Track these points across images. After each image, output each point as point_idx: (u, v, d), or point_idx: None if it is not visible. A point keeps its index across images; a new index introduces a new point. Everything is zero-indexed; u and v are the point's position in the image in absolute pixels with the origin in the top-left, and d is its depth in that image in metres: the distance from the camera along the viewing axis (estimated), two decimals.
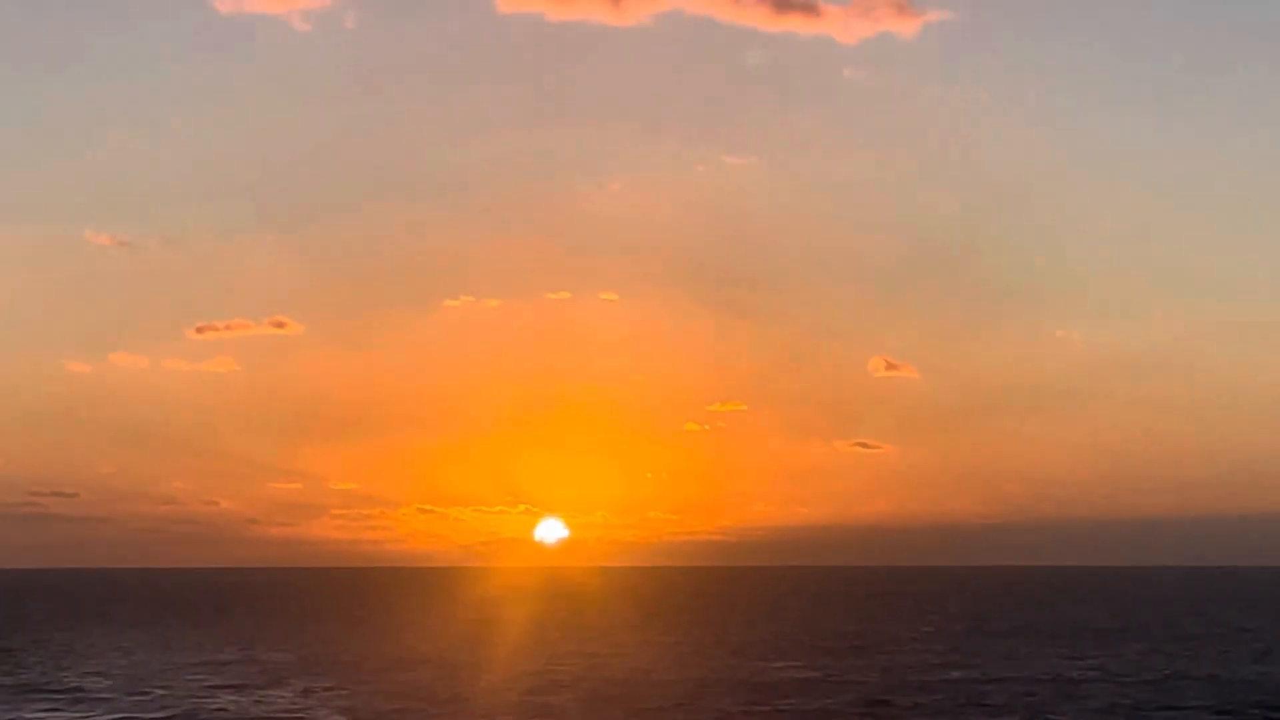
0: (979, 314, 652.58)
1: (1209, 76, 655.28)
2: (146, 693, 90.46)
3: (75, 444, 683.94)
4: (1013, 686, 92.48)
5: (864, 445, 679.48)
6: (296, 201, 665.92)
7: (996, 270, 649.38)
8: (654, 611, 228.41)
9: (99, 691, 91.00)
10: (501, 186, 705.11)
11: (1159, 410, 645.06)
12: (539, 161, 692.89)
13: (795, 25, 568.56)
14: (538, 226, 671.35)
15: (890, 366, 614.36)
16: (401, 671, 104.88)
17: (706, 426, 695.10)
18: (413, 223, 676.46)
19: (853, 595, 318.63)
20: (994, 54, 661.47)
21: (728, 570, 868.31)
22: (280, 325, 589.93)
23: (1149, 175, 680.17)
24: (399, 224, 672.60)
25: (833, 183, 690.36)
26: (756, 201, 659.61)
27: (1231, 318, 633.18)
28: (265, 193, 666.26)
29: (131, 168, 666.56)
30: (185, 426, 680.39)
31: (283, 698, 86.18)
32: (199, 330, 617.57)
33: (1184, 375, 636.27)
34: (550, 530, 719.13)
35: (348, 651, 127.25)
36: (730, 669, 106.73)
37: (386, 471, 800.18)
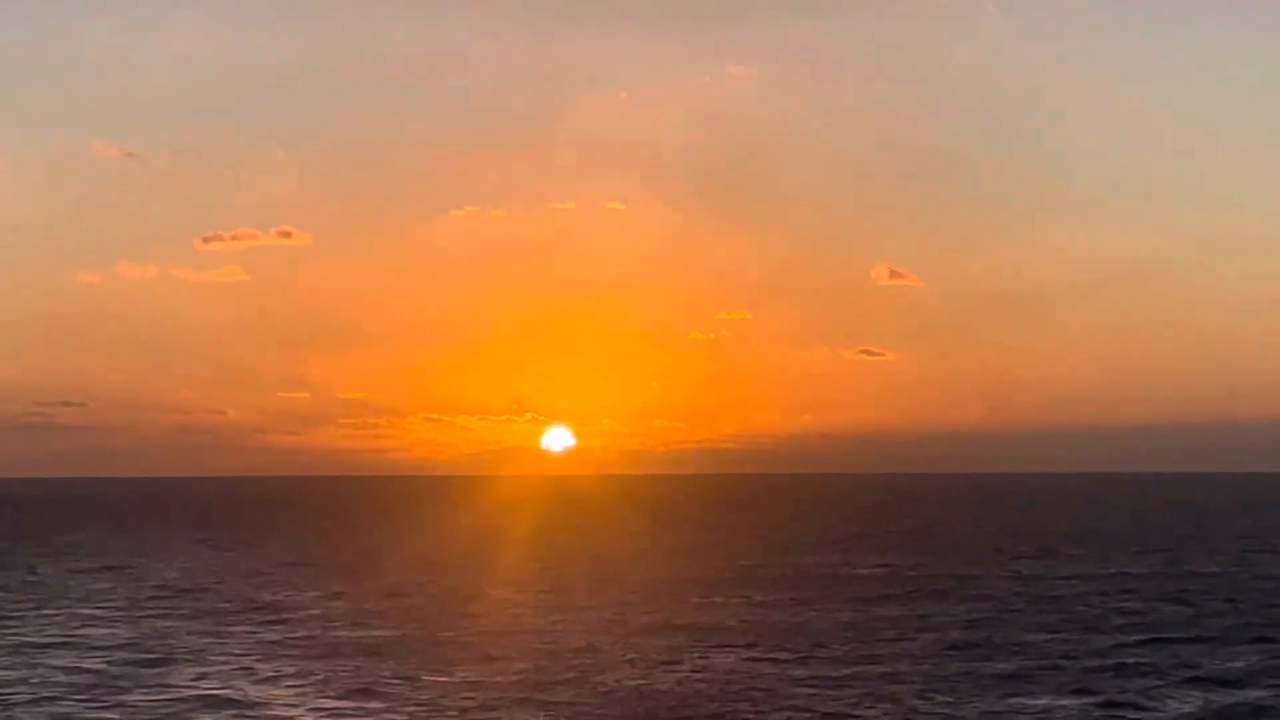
0: (982, 222, 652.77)
1: None
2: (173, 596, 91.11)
3: (83, 354, 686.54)
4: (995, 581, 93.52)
5: (868, 353, 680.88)
6: (303, 112, 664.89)
7: (999, 179, 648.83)
8: (661, 518, 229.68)
9: (108, 600, 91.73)
10: (507, 97, 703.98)
11: (1159, 318, 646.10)
12: (544, 72, 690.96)
13: None
14: (543, 137, 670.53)
15: (894, 274, 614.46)
16: (416, 573, 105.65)
17: (712, 335, 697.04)
18: (419, 133, 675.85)
19: (854, 502, 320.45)
20: None
21: (735, 478, 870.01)
22: (287, 235, 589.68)
23: (1149, 89, 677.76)
24: (405, 134, 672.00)
25: (836, 93, 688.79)
26: (761, 111, 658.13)
27: (1230, 227, 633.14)
28: (272, 103, 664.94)
29: (139, 80, 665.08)
30: (193, 336, 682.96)
31: (317, 596, 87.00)
32: (206, 240, 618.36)
33: (1183, 283, 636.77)
34: (556, 439, 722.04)
35: (369, 555, 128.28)
36: (737, 567, 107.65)
37: (393, 381, 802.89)
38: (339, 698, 50.40)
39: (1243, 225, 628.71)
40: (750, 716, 46.05)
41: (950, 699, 49.41)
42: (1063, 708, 48.15)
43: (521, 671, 55.84)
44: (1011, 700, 49.37)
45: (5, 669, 57.86)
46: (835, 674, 55.04)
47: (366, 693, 51.26)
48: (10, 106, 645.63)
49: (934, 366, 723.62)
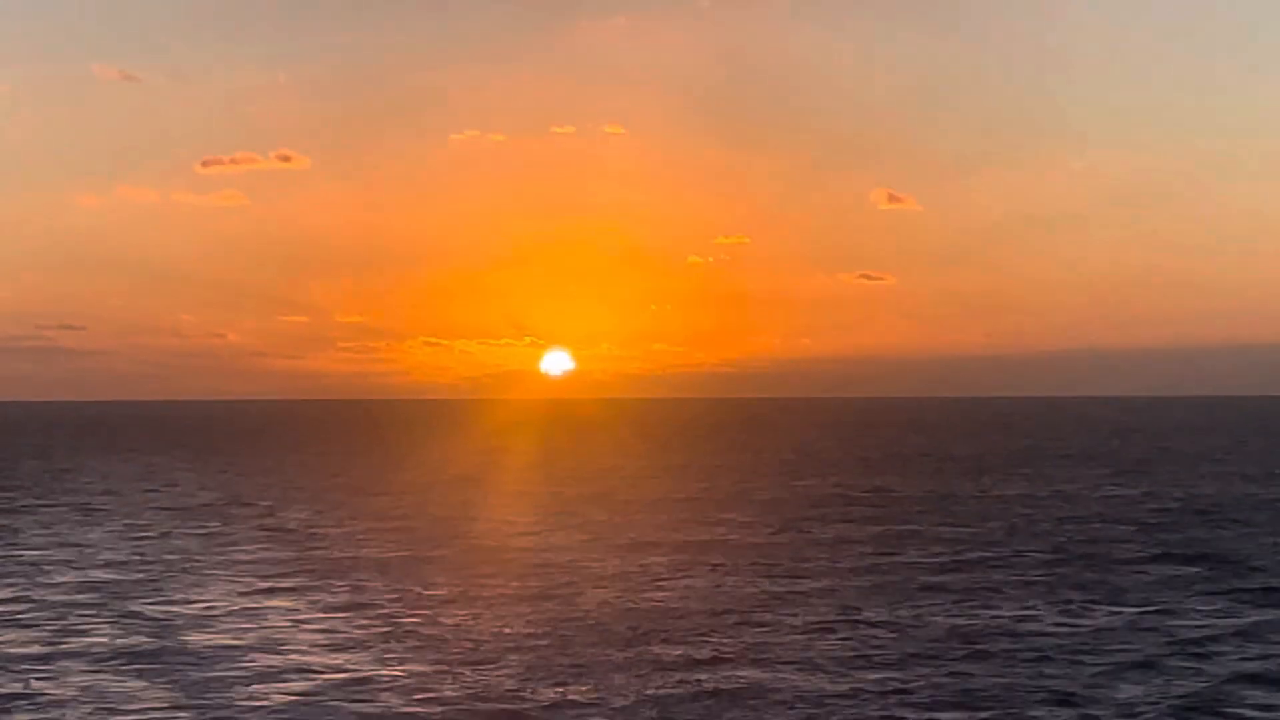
0: (981, 146, 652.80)
1: None
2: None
3: (83, 277, 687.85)
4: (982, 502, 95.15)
5: (867, 277, 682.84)
6: (303, 36, 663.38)
7: (999, 102, 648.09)
8: (657, 440, 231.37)
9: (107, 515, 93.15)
10: (507, 22, 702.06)
11: (1159, 242, 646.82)
12: None
13: None
14: (543, 61, 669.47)
15: (892, 199, 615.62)
16: (415, 495, 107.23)
17: (710, 259, 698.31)
18: (418, 58, 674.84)
19: (848, 425, 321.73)
20: None
21: (733, 402, 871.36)
22: (286, 159, 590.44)
23: (1155, 13, 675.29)
24: (405, 59, 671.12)
25: (836, 16, 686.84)
26: (760, 35, 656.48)
27: (1234, 150, 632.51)
28: (272, 26, 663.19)
29: (137, 2, 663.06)
30: (192, 260, 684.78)
31: (304, 518, 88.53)
32: (205, 164, 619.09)
33: (1184, 207, 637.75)
34: (555, 362, 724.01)
35: (367, 477, 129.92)
36: (726, 489, 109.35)
37: (393, 305, 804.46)
38: (333, 612, 51.99)
39: (1243, 150, 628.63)
40: (729, 632, 47.64)
41: (924, 611, 50.96)
42: (1033, 618, 49.70)
43: (511, 588, 57.46)
44: (983, 612, 50.94)
45: (9, 587, 59.47)
46: (815, 589, 56.65)
47: (359, 607, 52.88)
48: (9, 30, 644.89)
49: (933, 291, 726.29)
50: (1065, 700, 38.00)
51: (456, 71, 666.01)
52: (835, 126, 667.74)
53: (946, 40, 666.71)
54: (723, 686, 39.43)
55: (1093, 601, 53.77)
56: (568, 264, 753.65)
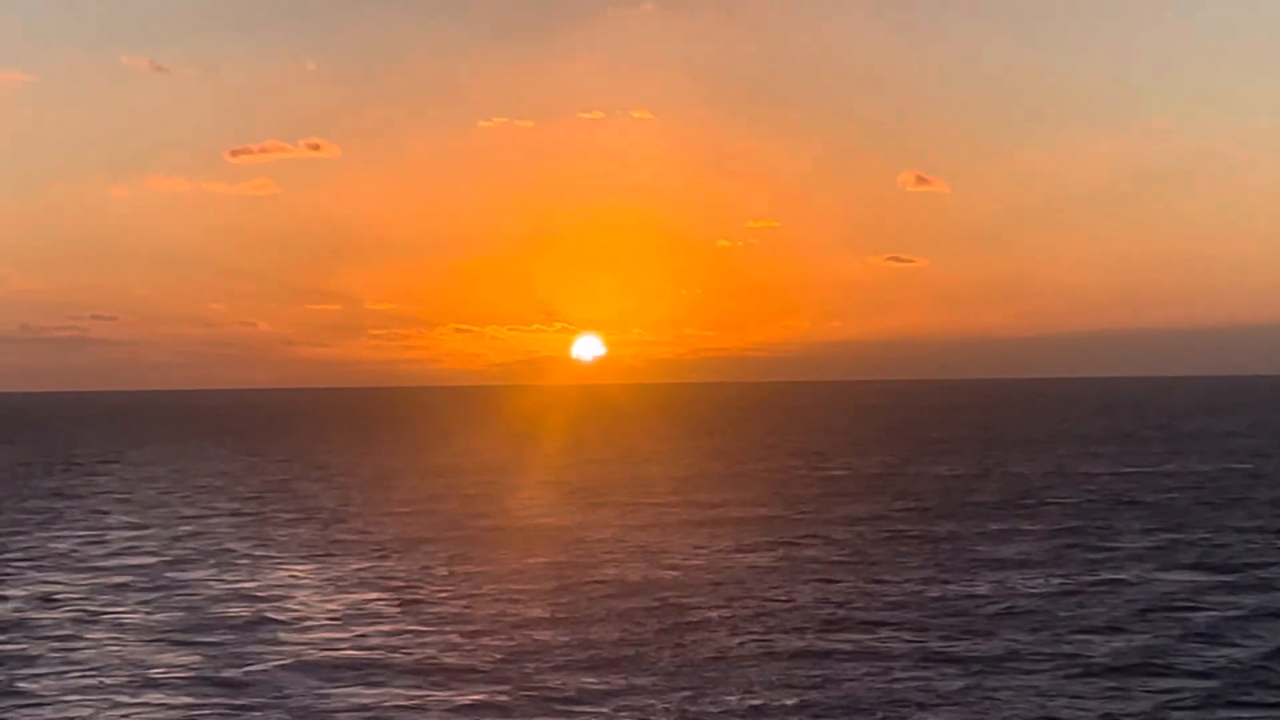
0: (1009, 127, 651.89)
1: None
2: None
3: (114, 267, 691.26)
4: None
5: (896, 259, 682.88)
6: (331, 24, 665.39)
7: (1026, 84, 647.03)
8: (687, 424, 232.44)
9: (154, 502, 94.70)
10: (536, 7, 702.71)
11: (1188, 223, 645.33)
12: None
13: None
14: (571, 47, 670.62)
15: (921, 180, 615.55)
16: (444, 478, 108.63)
17: (740, 243, 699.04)
18: (447, 45, 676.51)
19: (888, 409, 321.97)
20: None
21: (764, 385, 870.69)
22: (316, 148, 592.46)
23: None
24: (433, 46, 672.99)
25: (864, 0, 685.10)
26: (788, 19, 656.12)
27: (1262, 131, 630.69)
28: (300, 15, 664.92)
29: None
30: (223, 249, 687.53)
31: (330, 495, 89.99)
32: (235, 154, 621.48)
33: (1212, 188, 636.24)
34: (587, 348, 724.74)
35: (398, 462, 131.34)
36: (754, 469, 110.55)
37: (423, 292, 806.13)
38: (359, 589, 53.45)
39: (1271, 130, 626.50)
40: (739, 603, 48.99)
41: (932, 584, 52.22)
42: (1048, 593, 50.88)
43: (532, 566, 58.87)
44: (995, 584, 52.18)
45: (49, 569, 61.10)
46: (828, 562, 58.02)
47: (384, 584, 54.34)
48: (40, 22, 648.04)
49: (962, 272, 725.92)
50: (1071, 664, 39.25)
51: (484, 58, 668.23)
52: (863, 109, 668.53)
53: (973, 21, 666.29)
54: (729, 654, 40.77)
55: (1102, 579, 54.91)
56: (597, 249, 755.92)
